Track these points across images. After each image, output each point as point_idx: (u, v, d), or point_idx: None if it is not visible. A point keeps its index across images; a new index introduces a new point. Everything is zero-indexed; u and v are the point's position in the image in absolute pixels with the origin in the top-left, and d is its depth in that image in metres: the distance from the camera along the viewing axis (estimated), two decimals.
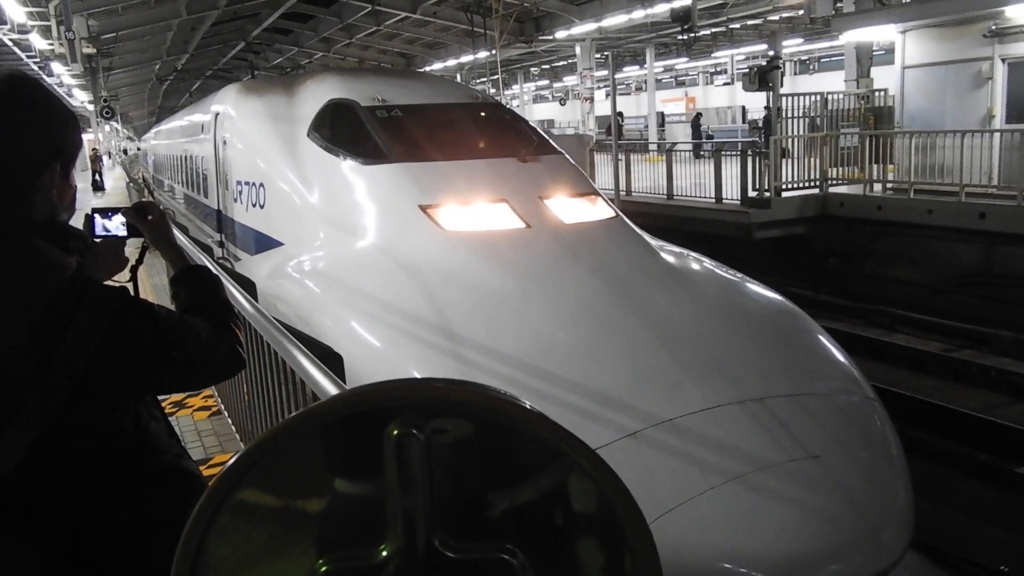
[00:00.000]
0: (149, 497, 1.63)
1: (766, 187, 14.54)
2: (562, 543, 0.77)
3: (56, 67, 27.24)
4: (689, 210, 15.80)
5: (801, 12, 22.25)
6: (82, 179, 38.11)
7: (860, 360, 5.66)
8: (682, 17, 20.04)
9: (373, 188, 6.76)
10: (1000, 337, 11.18)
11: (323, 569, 0.73)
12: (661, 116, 39.05)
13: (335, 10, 28.55)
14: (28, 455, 1.42)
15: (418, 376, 4.59)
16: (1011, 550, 6.87)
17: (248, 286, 6.55)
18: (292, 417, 0.77)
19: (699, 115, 34.67)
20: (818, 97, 15.99)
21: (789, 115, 15.65)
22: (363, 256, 6.31)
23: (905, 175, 13.96)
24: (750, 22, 31.44)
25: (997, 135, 12.97)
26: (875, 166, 14.68)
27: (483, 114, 8.05)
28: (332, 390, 2.44)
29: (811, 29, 30.03)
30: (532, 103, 60.47)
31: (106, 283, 1.68)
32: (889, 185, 14.46)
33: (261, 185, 7.93)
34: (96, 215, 2.03)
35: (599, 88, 31.51)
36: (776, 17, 29.58)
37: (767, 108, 19.03)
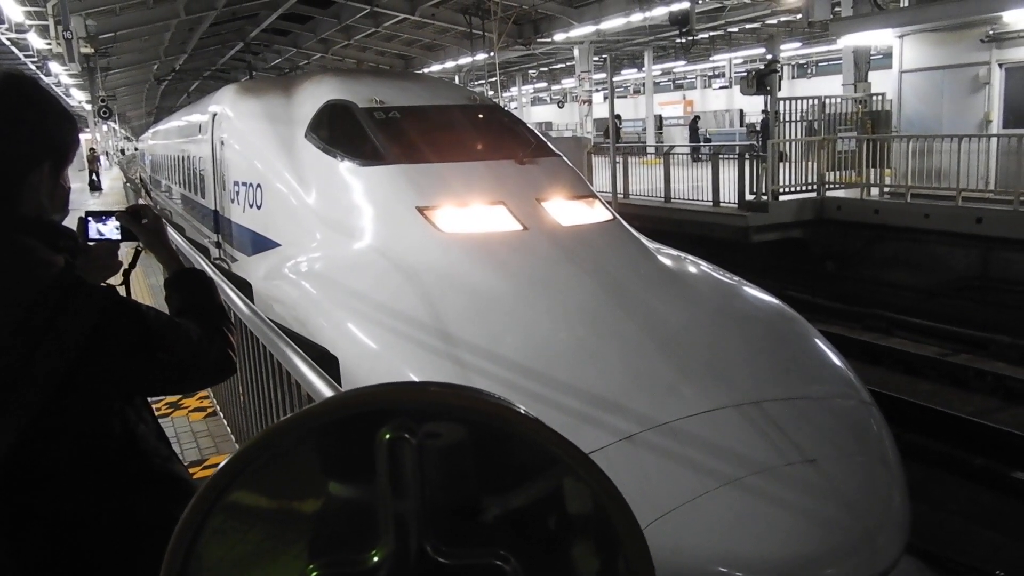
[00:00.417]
0: (137, 500, 1.61)
1: (763, 191, 14.55)
2: (556, 549, 0.76)
3: (54, 67, 27.23)
4: (686, 213, 15.81)
5: (799, 16, 22.31)
6: (79, 179, 38.13)
7: (856, 364, 5.67)
8: (680, 20, 20.08)
9: (370, 189, 6.75)
10: (996, 341, 11.19)
11: (314, 574, 0.73)
12: (659, 119, 39.09)
13: (333, 11, 28.58)
14: (11, 456, 1.40)
15: (414, 378, 4.59)
16: (1007, 554, 6.87)
17: (244, 287, 6.54)
18: (285, 419, 0.76)
19: (697, 118, 34.75)
20: (816, 101, 16.01)
21: (787, 119, 15.67)
22: (360, 257, 6.30)
23: (902, 179, 13.98)
24: (748, 26, 31.53)
25: (994, 140, 12.99)
26: (872, 170, 14.70)
27: (481, 116, 8.05)
28: (327, 392, 2.43)
29: (809, 33, 30.09)
30: (530, 105, 60.52)
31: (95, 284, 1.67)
32: (886, 189, 14.48)
33: (258, 186, 7.93)
34: (90, 218, 2.02)
35: (597, 91, 31.55)
36: (774, 21, 29.64)
37: (764, 112, 19.05)
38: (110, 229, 2.01)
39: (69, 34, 18.10)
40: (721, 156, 16.06)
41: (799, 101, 16.13)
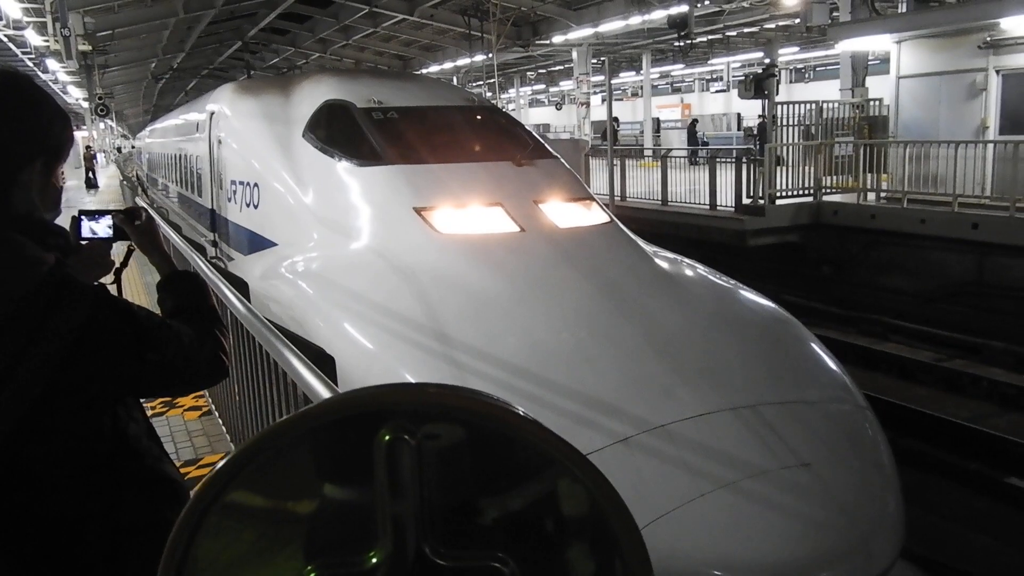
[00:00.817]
0: (127, 501, 1.60)
1: (760, 195, 14.57)
2: (554, 551, 0.76)
3: (51, 64, 27.19)
4: (684, 216, 15.82)
5: (797, 21, 22.36)
6: (75, 176, 38.09)
7: (852, 368, 5.67)
8: (679, 24, 20.10)
9: (368, 190, 6.75)
10: (991, 347, 11.22)
11: (312, 575, 0.72)
12: (657, 122, 39.14)
13: (332, 11, 28.56)
14: (1, 455, 1.40)
15: (410, 379, 4.59)
16: (1001, 559, 6.89)
17: (241, 286, 6.53)
18: (283, 420, 0.76)
19: (695, 121, 34.78)
20: (813, 106, 16.04)
21: (784, 123, 15.69)
22: (357, 258, 6.29)
23: (899, 184, 14.00)
24: (746, 30, 31.59)
25: (991, 146, 13.02)
26: (869, 175, 14.72)
27: (479, 117, 8.05)
28: (324, 392, 2.42)
29: (807, 38, 30.11)
30: (528, 107, 60.55)
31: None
32: (883, 194, 14.50)
33: (255, 185, 7.91)
34: (83, 217, 2.01)
35: (595, 93, 31.58)
36: (772, 25, 29.70)
37: (761, 117, 19.08)
38: (103, 228, 2.01)
39: (67, 31, 18.06)
40: (718, 160, 16.07)
41: (796, 105, 16.15)
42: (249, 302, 4.38)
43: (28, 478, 1.46)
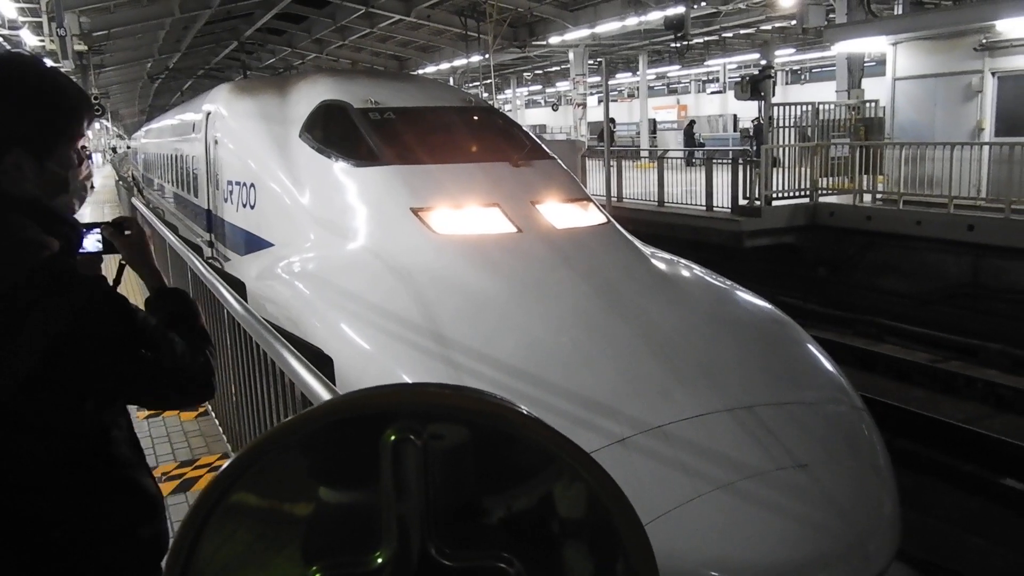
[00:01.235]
0: (100, 509, 1.55)
1: (757, 196, 14.58)
2: (559, 550, 0.76)
3: (47, 63, 27.06)
4: (680, 217, 15.83)
5: (793, 22, 22.37)
6: None
7: (847, 370, 5.68)
8: (675, 25, 20.12)
9: (365, 190, 6.74)
10: (987, 349, 11.24)
11: (317, 575, 0.72)
12: (653, 123, 39.15)
13: (329, 11, 28.52)
14: None
15: (407, 380, 4.58)
16: (996, 561, 6.90)
17: (238, 286, 6.52)
18: (287, 421, 0.75)
19: (692, 123, 34.81)
20: (809, 107, 16.06)
21: (780, 124, 15.71)
22: (354, 258, 6.29)
23: (895, 186, 14.03)
24: (743, 31, 31.60)
25: (986, 148, 13.05)
26: (865, 177, 14.75)
27: (476, 118, 8.04)
28: (323, 392, 2.42)
29: (803, 39, 30.16)
30: (524, 108, 60.56)
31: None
32: (879, 196, 14.53)
33: (252, 185, 7.90)
34: None
35: (592, 94, 31.58)
36: (769, 27, 29.72)
37: (756, 120, 19.10)
38: (92, 242, 1.93)
39: (63, 31, 18.03)
40: (715, 161, 16.09)
41: (793, 107, 16.17)
42: (246, 302, 4.37)
43: (4, 473, 1.43)
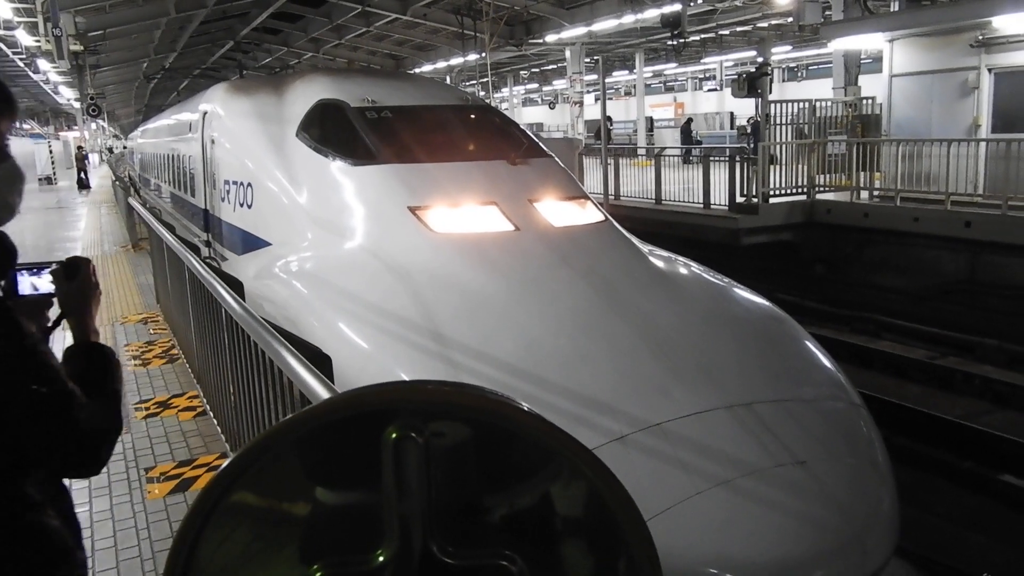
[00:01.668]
0: None
1: (754, 193, 14.59)
2: (561, 548, 0.76)
3: (42, 64, 27.11)
4: (677, 215, 15.83)
5: (790, 20, 22.39)
6: (67, 177, 37.92)
7: (845, 367, 5.68)
8: (672, 22, 20.12)
9: (362, 189, 6.74)
10: (984, 345, 11.26)
11: (319, 574, 0.72)
12: (650, 121, 39.17)
13: (325, 11, 28.52)
14: None
15: (406, 379, 4.58)
16: (994, 557, 6.90)
17: (236, 286, 6.51)
18: (288, 419, 0.75)
19: (690, 120, 34.81)
20: (806, 104, 16.07)
21: (777, 122, 15.71)
22: (351, 257, 6.28)
23: (892, 183, 14.04)
24: (739, 29, 31.63)
25: (983, 144, 13.07)
26: (862, 174, 14.76)
27: (473, 116, 8.04)
28: (322, 391, 2.41)
29: (799, 37, 30.19)
30: (521, 106, 60.54)
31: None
32: (876, 193, 14.54)
33: (249, 185, 7.89)
34: (23, 272, 1.81)
35: (588, 92, 31.58)
36: (765, 24, 29.75)
37: (753, 118, 19.09)
38: (44, 283, 1.81)
39: (58, 31, 18.00)
40: (712, 158, 16.09)
41: (789, 104, 16.18)
42: (244, 301, 4.36)
43: None
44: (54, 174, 36.68)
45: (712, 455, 4.10)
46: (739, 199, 14.66)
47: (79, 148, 34.01)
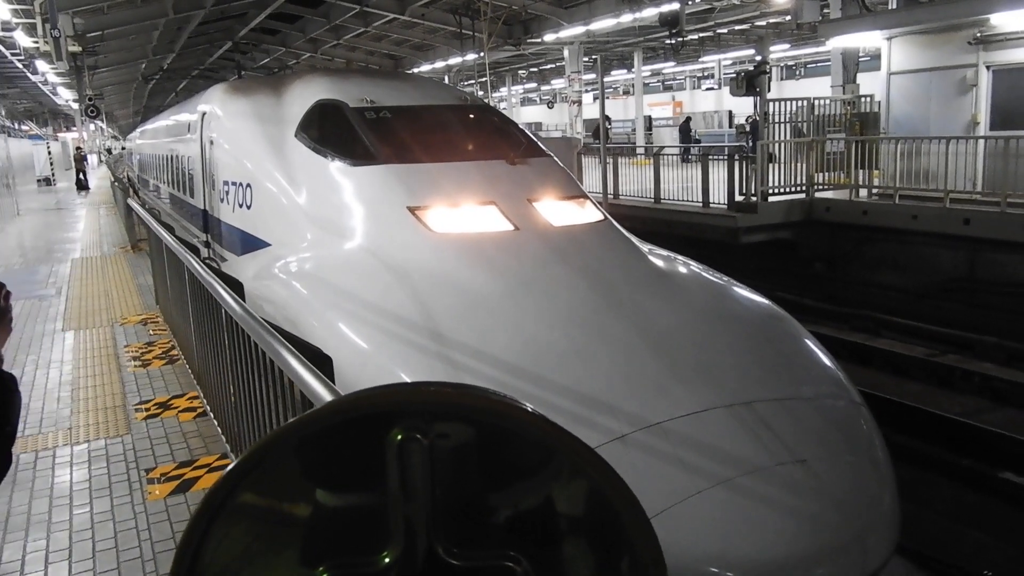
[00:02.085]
0: None
1: (753, 192, 14.60)
2: (566, 548, 0.76)
3: (41, 65, 27.09)
4: (676, 214, 15.84)
5: (788, 18, 22.39)
6: (66, 178, 37.90)
7: (845, 365, 5.69)
8: (670, 21, 20.12)
9: (361, 189, 6.73)
10: (983, 342, 11.27)
11: (324, 575, 0.72)
12: (648, 120, 39.18)
13: (323, 11, 28.51)
14: None
15: (406, 379, 4.58)
16: (995, 555, 6.91)
17: (235, 287, 6.52)
18: (293, 421, 0.75)
19: (689, 119, 34.81)
20: (805, 102, 16.07)
21: (776, 120, 15.72)
22: (351, 257, 6.28)
23: (890, 181, 14.05)
24: (737, 27, 31.64)
25: (981, 142, 13.07)
26: (861, 172, 14.76)
27: (472, 116, 8.04)
28: (323, 392, 2.42)
29: (798, 35, 30.20)
30: (520, 106, 60.54)
31: None
32: (874, 191, 14.55)
33: (248, 185, 7.89)
34: None
35: (587, 91, 31.58)
36: (763, 22, 29.75)
37: (752, 116, 19.08)
38: None
39: (57, 32, 17.98)
40: (711, 157, 16.09)
41: (788, 102, 16.19)
42: (244, 302, 4.36)
43: None
44: (53, 175, 36.69)
45: (712, 454, 4.10)
46: (738, 198, 14.66)
47: (78, 149, 34.02)
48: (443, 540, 0.72)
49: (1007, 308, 11.76)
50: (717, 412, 4.35)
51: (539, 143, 7.91)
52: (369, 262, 6.08)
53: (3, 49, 26.62)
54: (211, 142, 9.24)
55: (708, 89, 49.41)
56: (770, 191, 14.74)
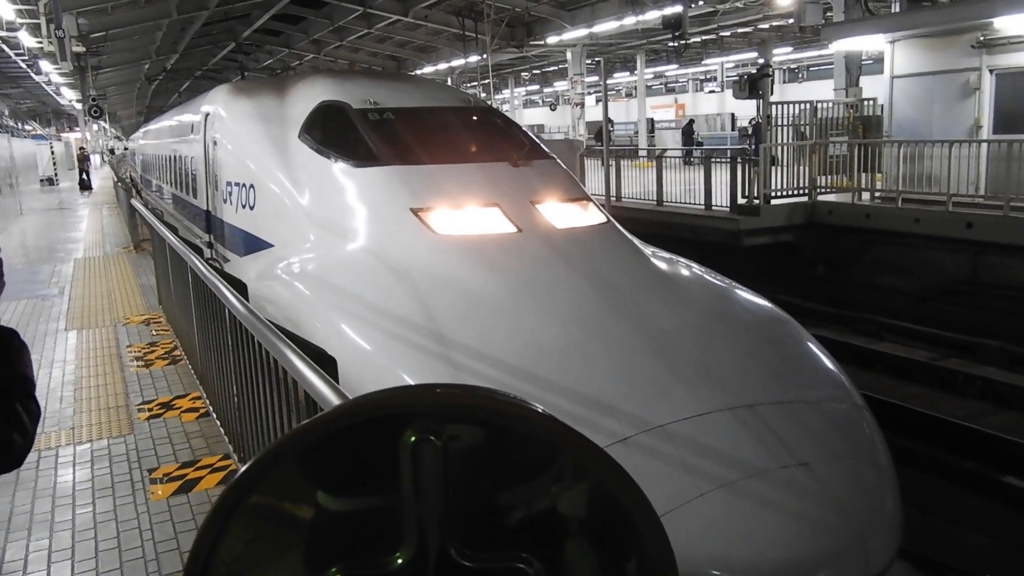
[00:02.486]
0: None
1: (755, 194, 14.59)
2: (577, 549, 0.76)
3: (44, 65, 27.14)
4: (678, 216, 15.84)
5: (791, 21, 22.39)
6: (69, 178, 37.93)
7: (847, 368, 5.69)
8: (673, 24, 20.12)
9: (364, 191, 6.74)
10: (986, 346, 11.25)
11: None
12: (651, 122, 39.18)
13: (326, 12, 28.52)
14: None
15: (408, 380, 4.58)
16: (996, 558, 6.91)
17: (238, 287, 6.52)
18: (306, 423, 0.76)
19: (692, 121, 34.79)
20: (807, 105, 16.07)
21: (779, 123, 15.72)
22: (354, 259, 6.29)
23: (893, 184, 14.04)
24: (740, 30, 31.62)
25: (984, 145, 13.06)
26: (863, 175, 14.76)
27: (475, 118, 8.04)
28: (328, 393, 2.42)
29: (801, 38, 30.18)
30: (522, 108, 60.55)
31: None
32: (877, 194, 14.54)
33: (251, 186, 7.90)
34: None
35: (589, 94, 31.59)
36: (766, 25, 29.74)
37: (755, 119, 19.08)
38: None
39: (61, 32, 18.01)
40: (713, 160, 16.09)
41: (791, 105, 16.19)
42: (248, 302, 4.36)
43: None
44: (56, 175, 36.74)
45: (715, 457, 4.10)
46: (740, 200, 14.66)
47: (81, 149, 34.08)
48: (455, 541, 0.72)
49: (1009, 311, 11.75)
50: (719, 415, 4.35)
51: (542, 145, 7.92)
52: (372, 263, 6.09)
53: (7, 49, 26.67)
54: (214, 143, 9.25)
55: (711, 92, 49.42)
56: (772, 194, 14.74)
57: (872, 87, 17.32)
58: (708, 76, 50.22)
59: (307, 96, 8.02)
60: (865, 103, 16.87)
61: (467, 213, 6.37)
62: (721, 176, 15.24)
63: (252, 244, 7.84)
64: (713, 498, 3.85)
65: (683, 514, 3.75)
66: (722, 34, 32.20)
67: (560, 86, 48.65)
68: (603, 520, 0.76)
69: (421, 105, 7.88)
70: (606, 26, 24.83)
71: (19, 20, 20.73)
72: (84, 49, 21.07)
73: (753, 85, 15.57)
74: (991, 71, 13.43)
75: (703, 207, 15.46)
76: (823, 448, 4.33)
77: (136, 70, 36.85)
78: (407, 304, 5.38)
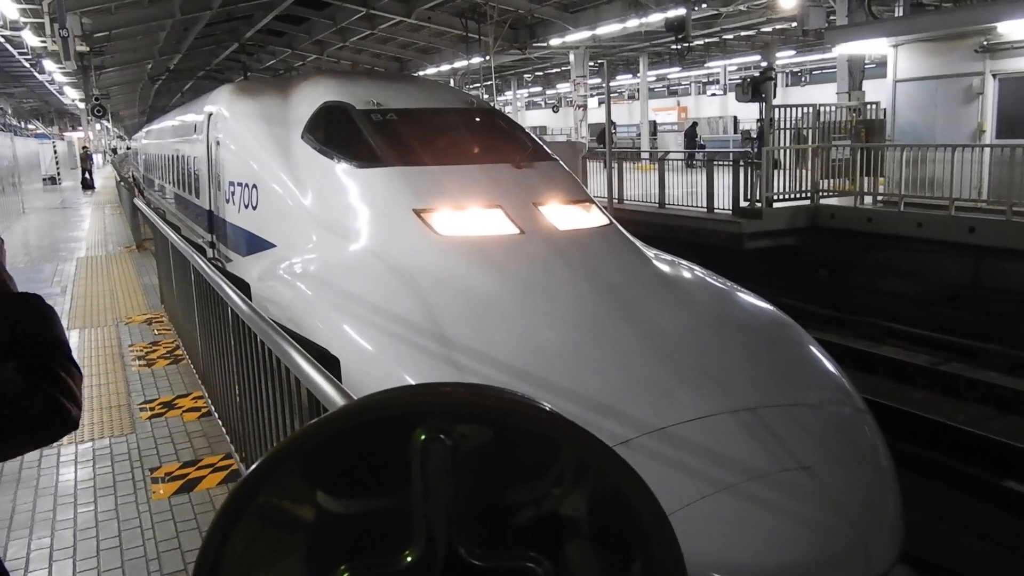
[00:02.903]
0: None
1: (758, 198, 14.59)
2: (586, 548, 0.76)
3: (48, 64, 27.15)
4: (681, 219, 15.84)
5: (794, 24, 22.40)
6: (72, 177, 37.97)
7: (849, 371, 5.68)
8: (676, 27, 20.14)
9: (367, 191, 6.75)
10: (988, 351, 11.25)
11: (346, 575, 0.72)
12: (653, 125, 39.18)
13: (329, 13, 28.54)
14: None
15: (410, 381, 4.58)
16: (998, 562, 6.90)
17: (241, 287, 6.52)
18: (316, 422, 0.76)
19: (695, 124, 34.81)
20: (810, 109, 16.08)
21: (781, 127, 15.72)
22: (356, 259, 6.29)
23: (896, 188, 14.04)
24: (743, 33, 31.65)
25: (987, 150, 13.06)
26: (866, 179, 14.76)
27: (478, 119, 8.05)
28: (332, 392, 2.42)
29: (803, 41, 30.20)
30: (525, 110, 60.59)
31: None
32: (880, 198, 14.54)
33: (254, 186, 7.91)
34: None
35: (592, 96, 31.61)
36: (769, 29, 29.76)
37: (759, 121, 19.07)
38: None
39: (65, 32, 18.03)
40: (716, 163, 16.09)
41: (793, 109, 16.19)
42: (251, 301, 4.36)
43: None
44: (58, 174, 36.79)
45: (717, 460, 4.10)
46: (743, 203, 14.66)
47: (83, 148, 34.13)
48: (464, 540, 0.72)
49: (1012, 316, 11.74)
50: (722, 418, 4.35)
51: (544, 147, 7.92)
52: (374, 264, 6.09)
53: (10, 48, 26.69)
54: (217, 143, 9.26)
55: (713, 95, 49.45)
56: (775, 197, 14.74)
57: (875, 91, 17.33)
58: (711, 79, 50.24)
59: (310, 97, 8.03)
60: (868, 107, 16.87)
61: (470, 214, 6.37)
62: (723, 179, 15.24)
63: (255, 244, 7.84)
64: (715, 501, 3.85)
65: (685, 517, 3.74)
66: (725, 37, 32.26)
67: (563, 88, 48.68)
68: (611, 520, 0.76)
69: (424, 106, 7.88)
70: (609, 28, 24.85)
71: (23, 19, 20.76)
72: (87, 48, 21.09)
73: (756, 88, 15.58)
74: (994, 76, 13.42)
75: (705, 210, 15.45)
76: (825, 451, 4.33)
77: (139, 70, 36.89)
78: (410, 305, 5.38)
